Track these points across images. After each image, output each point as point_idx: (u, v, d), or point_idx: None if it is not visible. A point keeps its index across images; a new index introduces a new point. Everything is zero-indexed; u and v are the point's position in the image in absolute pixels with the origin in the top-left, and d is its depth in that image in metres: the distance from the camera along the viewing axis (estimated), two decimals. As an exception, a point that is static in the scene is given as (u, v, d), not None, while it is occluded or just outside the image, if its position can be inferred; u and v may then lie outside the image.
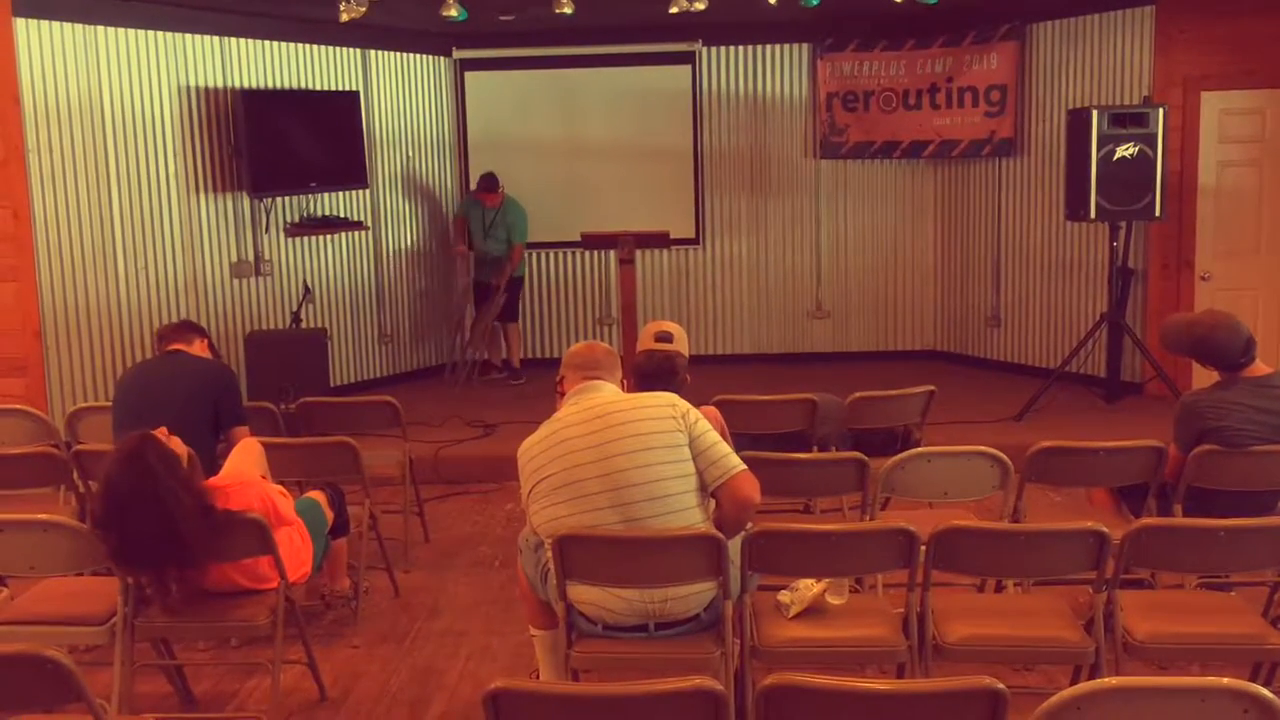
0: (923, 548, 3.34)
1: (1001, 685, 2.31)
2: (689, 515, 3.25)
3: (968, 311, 8.93)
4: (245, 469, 3.97)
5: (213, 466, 4.32)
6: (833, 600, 3.46)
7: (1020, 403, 7.27)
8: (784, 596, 3.46)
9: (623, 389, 3.60)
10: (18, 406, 5.32)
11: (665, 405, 3.33)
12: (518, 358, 8.64)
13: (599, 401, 3.37)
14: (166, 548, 3.49)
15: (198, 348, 4.82)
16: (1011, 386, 7.84)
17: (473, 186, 8.65)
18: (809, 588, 3.43)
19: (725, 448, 3.32)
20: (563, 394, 3.53)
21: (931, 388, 5.13)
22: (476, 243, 8.52)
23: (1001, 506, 4.27)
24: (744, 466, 3.30)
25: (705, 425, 3.34)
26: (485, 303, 8.49)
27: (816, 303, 9.23)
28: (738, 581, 3.34)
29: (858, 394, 5.05)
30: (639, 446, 3.22)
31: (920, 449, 4.28)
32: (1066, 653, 3.36)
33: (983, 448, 4.13)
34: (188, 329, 4.92)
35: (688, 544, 3.22)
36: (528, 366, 8.70)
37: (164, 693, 3.99)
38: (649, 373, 3.99)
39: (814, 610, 3.42)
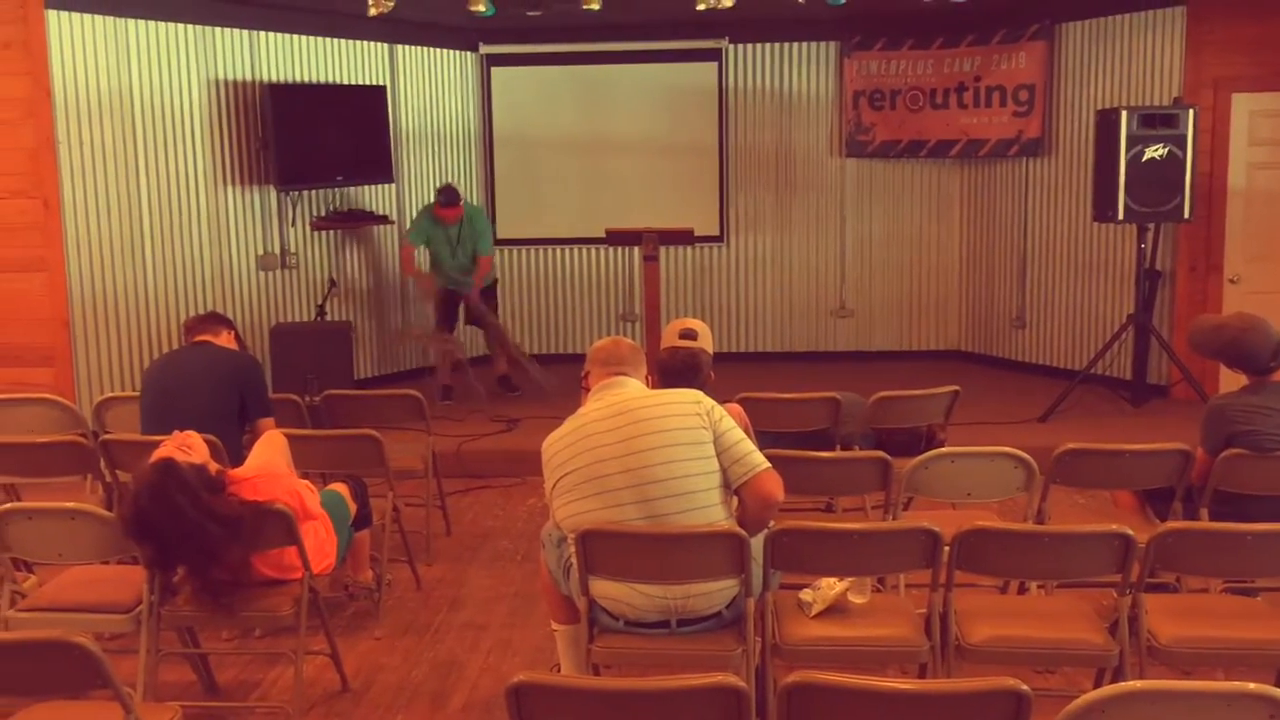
0: (946, 548, 3.33)
1: (1025, 687, 2.30)
2: (712, 512, 3.25)
3: (993, 312, 8.89)
4: (273, 461, 3.99)
5: (238, 458, 4.34)
6: (855, 599, 3.45)
7: (1045, 404, 7.23)
8: (806, 595, 3.45)
9: (647, 385, 3.60)
10: (46, 396, 5.36)
11: (690, 402, 3.33)
12: (503, 367, 8.07)
13: (624, 397, 3.37)
14: (199, 560, 3.58)
15: (224, 339, 4.84)
16: (1036, 388, 7.80)
17: (428, 203, 7.96)
18: (831, 586, 3.42)
19: (749, 445, 3.32)
20: (588, 389, 3.54)
21: (955, 388, 5.11)
22: (443, 264, 7.78)
23: (1025, 508, 4.25)
24: (768, 464, 3.30)
25: (730, 422, 3.34)
26: (475, 316, 7.91)
27: (840, 301, 9.20)
28: (760, 579, 3.34)
29: (881, 393, 5.03)
30: (663, 443, 3.22)
31: (944, 449, 4.27)
32: (1090, 655, 3.34)
33: (1007, 449, 4.11)
34: (215, 320, 4.93)
35: (710, 541, 3.22)
36: (550, 362, 8.69)
37: (188, 681, 4.02)
38: (673, 370, 3.99)
39: (836, 609, 3.41)
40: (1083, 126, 7.96)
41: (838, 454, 4.73)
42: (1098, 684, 3.39)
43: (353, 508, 4.29)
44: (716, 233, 9.10)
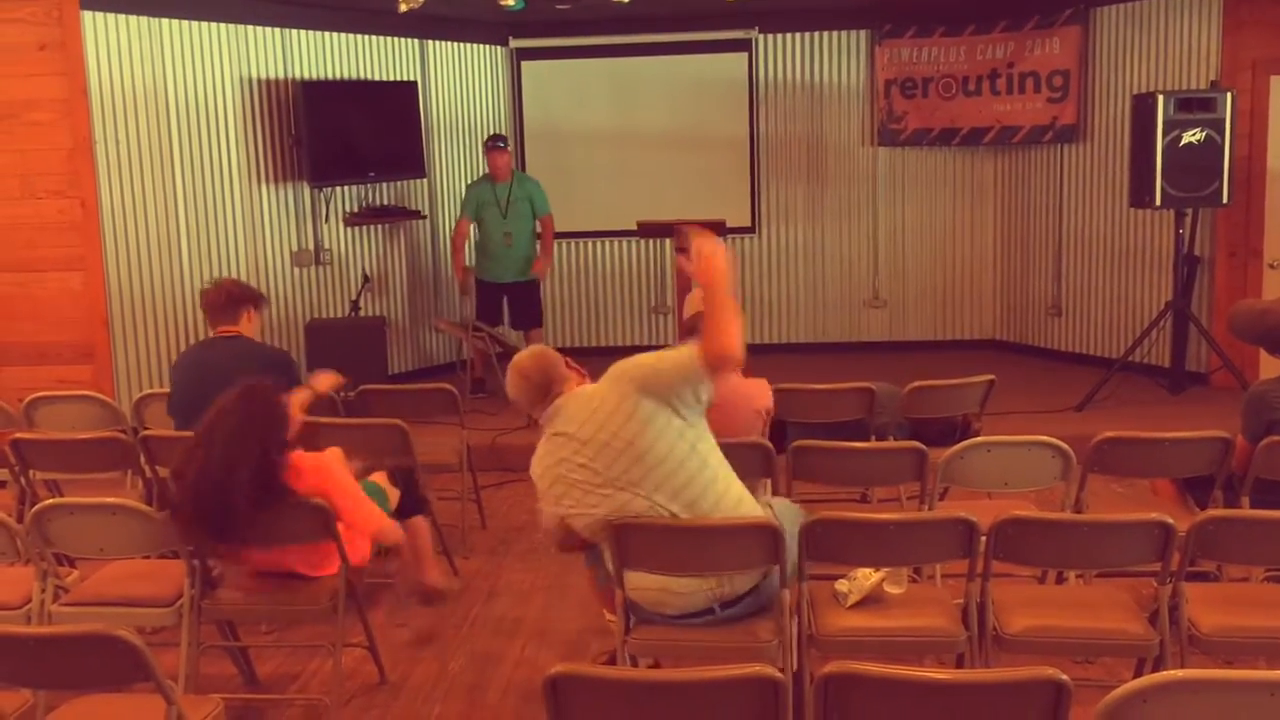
0: (983, 538, 3.31)
1: (1065, 676, 2.28)
2: (724, 486, 3.26)
3: (1028, 300, 8.82)
4: (329, 462, 3.94)
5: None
6: (891, 590, 3.44)
7: (1082, 393, 7.17)
8: (842, 585, 3.44)
9: (576, 379, 3.50)
10: (87, 393, 5.42)
11: (620, 386, 3.25)
12: None
13: (576, 425, 3.29)
14: (218, 511, 3.53)
15: (248, 321, 4.73)
16: (1073, 376, 7.73)
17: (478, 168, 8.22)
18: (867, 577, 3.41)
19: (667, 359, 3.25)
20: (540, 425, 3.47)
21: (991, 377, 5.08)
22: (492, 230, 7.83)
23: (1063, 498, 4.21)
24: (694, 348, 3.22)
25: (647, 361, 3.28)
26: (525, 304, 7.95)
27: (874, 291, 9.16)
28: (794, 564, 3.34)
29: (916, 383, 5.00)
30: (645, 447, 3.19)
31: (980, 439, 4.24)
32: (1130, 645, 3.31)
33: (1044, 438, 4.08)
34: (235, 302, 4.73)
35: (745, 533, 3.22)
36: (583, 355, 8.67)
37: (228, 674, 4.06)
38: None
39: (872, 600, 3.40)
40: (1119, 112, 7.87)
41: (872, 444, 4.71)
42: (1138, 674, 3.35)
43: (394, 495, 4.26)
44: (748, 224, 9.07)
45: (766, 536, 3.21)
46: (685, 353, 3.23)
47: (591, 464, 3.23)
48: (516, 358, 3.54)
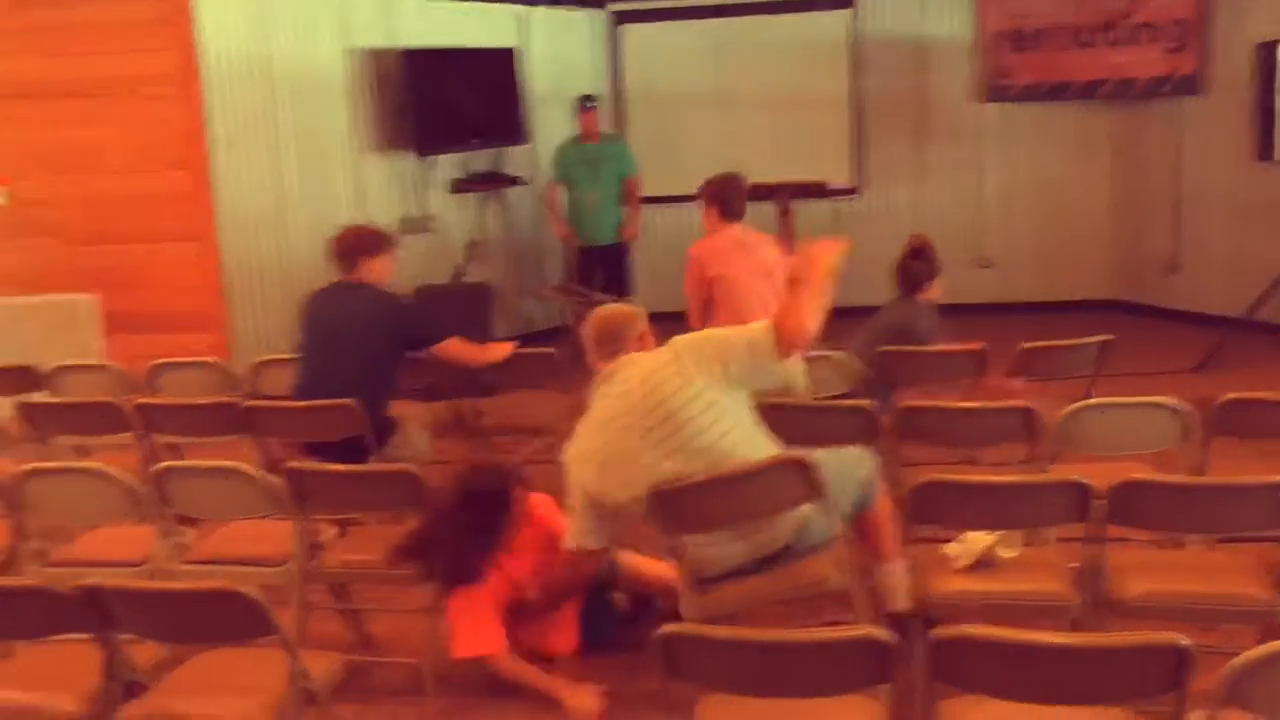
0: (1099, 501, 3.22)
1: (1188, 641, 2.22)
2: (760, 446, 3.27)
3: (1144, 258, 8.55)
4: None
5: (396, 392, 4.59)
6: (1004, 554, 3.37)
7: (1199, 353, 6.94)
8: (952, 548, 3.39)
9: (644, 344, 3.51)
10: (206, 359, 5.56)
11: (668, 368, 3.28)
12: None
13: (625, 391, 3.32)
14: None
15: (368, 271, 4.74)
16: (1190, 336, 7.49)
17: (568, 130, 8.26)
18: (978, 540, 3.35)
19: (735, 332, 3.29)
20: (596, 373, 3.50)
21: (1108, 337, 4.93)
22: (582, 191, 7.98)
23: (1180, 461, 4.08)
24: (766, 322, 3.25)
25: (701, 340, 3.32)
26: (613, 270, 8.02)
27: (981, 251, 8.96)
28: (851, 501, 3.37)
29: (1027, 344, 4.89)
30: (689, 426, 3.21)
31: (1094, 400, 4.13)
32: (1256, 612, 3.20)
33: (1161, 399, 3.95)
34: (350, 252, 4.75)
35: (770, 471, 3.20)
36: (682, 322, 8.66)
37: (336, 632, 4.13)
38: None
39: (984, 564, 3.34)
40: (1240, 62, 7.56)
41: (982, 404, 4.60)
42: (1263, 641, 3.24)
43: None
44: (850, 185, 8.94)
45: (793, 470, 3.17)
46: (758, 329, 3.26)
47: (636, 430, 3.26)
48: (605, 306, 3.62)
